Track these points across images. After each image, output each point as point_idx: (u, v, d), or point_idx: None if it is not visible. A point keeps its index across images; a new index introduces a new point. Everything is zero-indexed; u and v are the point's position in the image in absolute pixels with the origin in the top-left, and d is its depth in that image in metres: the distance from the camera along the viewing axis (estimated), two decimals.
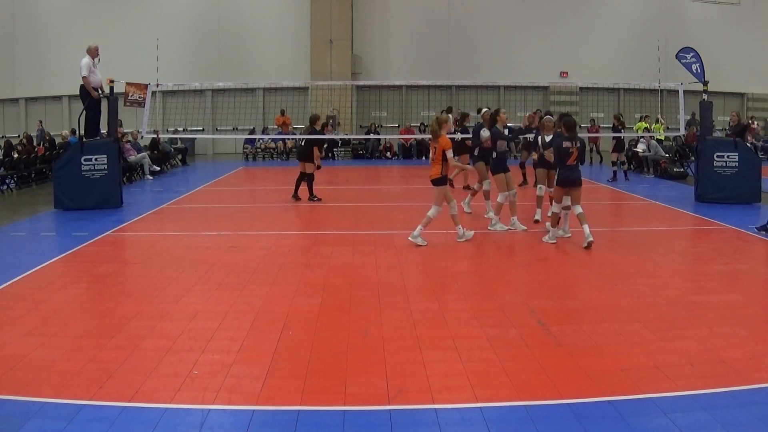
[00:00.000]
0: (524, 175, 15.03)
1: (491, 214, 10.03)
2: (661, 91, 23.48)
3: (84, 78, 12.37)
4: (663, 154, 17.78)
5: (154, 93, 14.89)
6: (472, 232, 9.11)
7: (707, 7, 26.49)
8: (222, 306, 6.13)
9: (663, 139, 19.94)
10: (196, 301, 6.32)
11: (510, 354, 4.90)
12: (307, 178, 12.95)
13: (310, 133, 13.26)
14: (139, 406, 4.06)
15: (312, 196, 12.94)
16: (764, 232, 9.33)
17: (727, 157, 12.27)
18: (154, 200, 13.54)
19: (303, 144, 13.17)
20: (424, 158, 23.66)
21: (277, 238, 9.50)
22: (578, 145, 8.76)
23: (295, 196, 13.07)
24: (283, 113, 24.09)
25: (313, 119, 13.44)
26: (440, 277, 7.19)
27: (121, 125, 18.48)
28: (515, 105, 23.82)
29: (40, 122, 23.71)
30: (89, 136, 12.72)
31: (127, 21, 24.76)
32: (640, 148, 18.51)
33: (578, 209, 8.72)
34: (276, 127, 24.66)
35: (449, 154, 8.58)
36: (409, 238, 8.69)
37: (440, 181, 8.70)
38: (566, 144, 8.69)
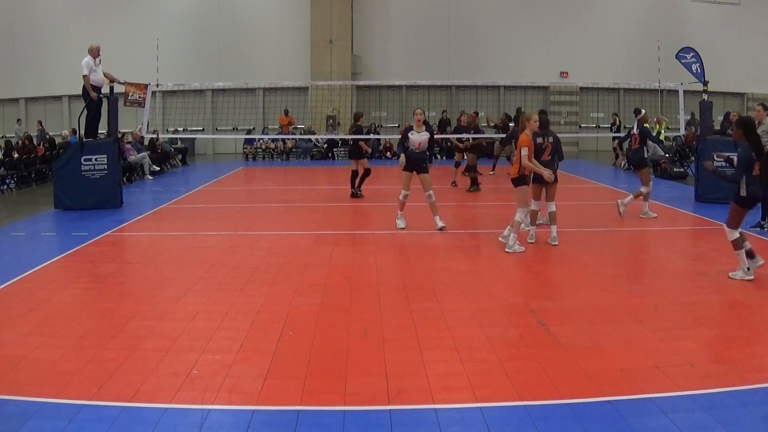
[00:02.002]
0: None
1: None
2: (661, 91, 23.46)
3: (84, 77, 12.39)
4: (661, 154, 17.77)
5: (154, 93, 14.90)
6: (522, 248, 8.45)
7: (707, 7, 26.48)
8: (222, 306, 6.13)
9: (663, 139, 19.92)
10: (196, 301, 6.32)
11: (510, 354, 4.90)
12: (364, 173, 13.34)
13: (355, 131, 13.72)
14: (139, 406, 4.06)
15: (355, 191, 13.30)
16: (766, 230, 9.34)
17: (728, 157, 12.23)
18: (154, 200, 13.55)
19: (352, 143, 13.69)
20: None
21: (277, 238, 9.50)
22: (551, 140, 8.98)
23: (356, 193, 13.35)
24: (287, 113, 24.14)
25: (357, 116, 13.97)
26: (440, 277, 7.18)
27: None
28: (515, 105, 23.79)
29: (40, 122, 23.73)
30: (89, 136, 12.73)
31: (127, 21, 24.76)
32: None
33: (552, 207, 8.91)
34: (277, 126, 24.68)
35: (524, 152, 8.32)
36: (506, 250, 8.28)
37: (518, 180, 8.40)
38: (539, 140, 8.89)
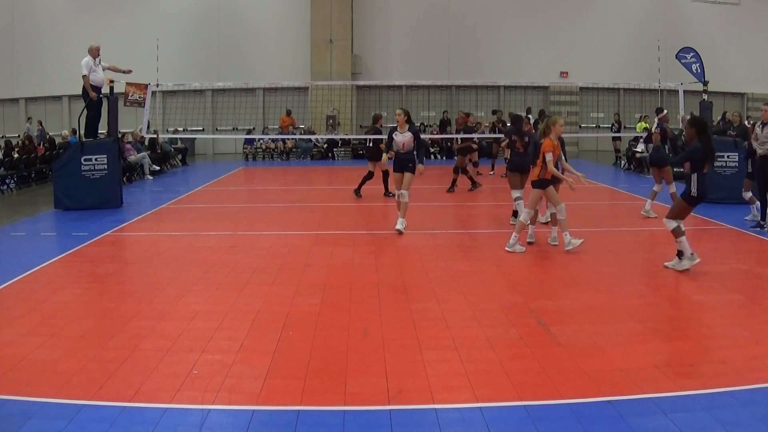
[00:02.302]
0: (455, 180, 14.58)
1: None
2: (661, 91, 23.47)
3: (84, 77, 12.39)
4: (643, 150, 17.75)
5: (154, 93, 14.90)
6: (580, 240, 8.35)
7: (707, 7, 26.47)
8: (222, 306, 6.13)
9: None
10: (196, 301, 6.32)
11: (510, 354, 4.90)
12: (383, 174, 13.45)
13: (374, 133, 13.81)
14: (139, 406, 4.06)
15: (387, 192, 13.41)
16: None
17: (727, 157, 12.25)
18: (154, 200, 13.55)
19: (371, 145, 13.80)
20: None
21: (277, 238, 9.50)
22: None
23: (358, 193, 13.46)
24: (289, 113, 24.13)
25: (376, 118, 14.11)
26: (440, 277, 7.19)
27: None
28: (515, 105, 23.81)
29: (40, 122, 23.72)
30: (89, 136, 12.74)
31: (127, 21, 24.75)
32: (639, 148, 18.48)
33: (553, 208, 8.68)
34: (277, 127, 24.67)
35: (548, 157, 8.09)
36: (507, 249, 8.26)
37: (537, 183, 8.31)
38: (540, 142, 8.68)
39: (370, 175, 13.49)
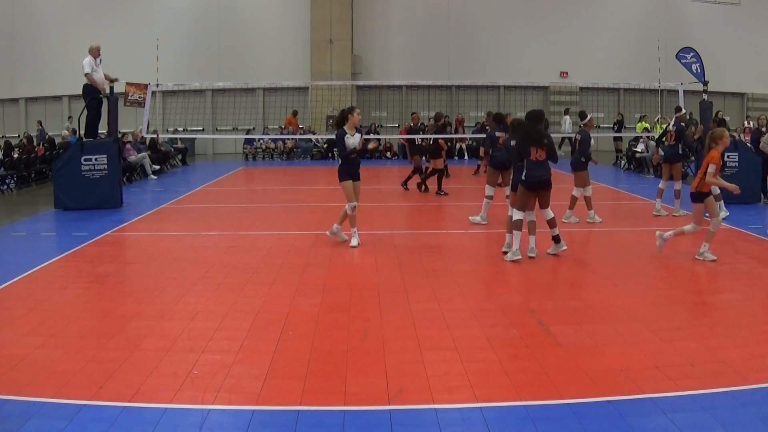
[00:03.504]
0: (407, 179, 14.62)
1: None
2: (661, 91, 23.47)
3: (87, 75, 12.40)
4: (661, 153, 17.75)
5: (154, 93, 14.89)
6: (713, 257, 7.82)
7: (707, 7, 26.48)
8: (222, 306, 6.13)
9: (664, 140, 19.91)
10: (196, 301, 6.32)
11: (510, 354, 4.90)
12: (437, 173, 13.81)
13: (436, 131, 14.26)
14: (139, 406, 4.06)
15: (440, 190, 13.74)
16: None
17: (727, 157, 12.24)
18: (154, 200, 13.54)
19: (432, 142, 14.14)
20: (423, 159, 23.63)
21: (277, 238, 9.50)
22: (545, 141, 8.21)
23: (425, 188, 13.97)
24: (295, 114, 24.07)
25: (438, 117, 14.59)
26: (440, 277, 7.19)
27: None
28: (515, 105, 23.82)
29: (40, 122, 23.70)
30: (89, 136, 12.74)
31: (127, 21, 24.76)
32: (639, 148, 18.50)
33: (532, 216, 8.02)
34: (276, 127, 24.66)
35: (710, 169, 7.57)
36: (697, 257, 7.78)
37: (695, 196, 7.77)
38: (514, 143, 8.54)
39: (441, 173, 13.82)
